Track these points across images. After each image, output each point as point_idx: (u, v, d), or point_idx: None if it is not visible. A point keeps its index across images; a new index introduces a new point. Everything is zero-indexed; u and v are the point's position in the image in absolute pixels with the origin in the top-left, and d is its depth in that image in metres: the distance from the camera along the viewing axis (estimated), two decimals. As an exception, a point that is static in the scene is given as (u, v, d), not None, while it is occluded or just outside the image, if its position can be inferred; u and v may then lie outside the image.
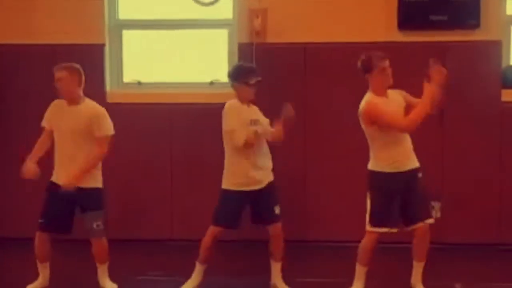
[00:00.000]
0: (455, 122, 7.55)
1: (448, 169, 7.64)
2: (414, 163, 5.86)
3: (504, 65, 7.73)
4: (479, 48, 7.64)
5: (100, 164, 6.04)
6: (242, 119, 5.87)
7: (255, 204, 5.99)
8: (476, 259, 7.33)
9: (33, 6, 7.95)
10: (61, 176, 5.93)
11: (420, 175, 5.86)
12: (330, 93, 7.61)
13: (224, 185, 5.98)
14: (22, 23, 7.95)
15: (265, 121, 6.08)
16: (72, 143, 5.93)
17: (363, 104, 5.81)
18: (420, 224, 5.82)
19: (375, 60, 5.81)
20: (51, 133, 6.05)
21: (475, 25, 7.57)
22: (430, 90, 5.64)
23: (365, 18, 7.67)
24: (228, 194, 5.94)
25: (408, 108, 5.83)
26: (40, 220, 6.00)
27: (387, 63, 5.79)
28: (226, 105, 5.97)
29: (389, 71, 5.80)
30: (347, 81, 7.29)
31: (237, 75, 6.02)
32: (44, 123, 6.09)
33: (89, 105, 6.03)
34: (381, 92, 5.83)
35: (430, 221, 5.88)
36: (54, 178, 6.01)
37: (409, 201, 5.81)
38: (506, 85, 7.69)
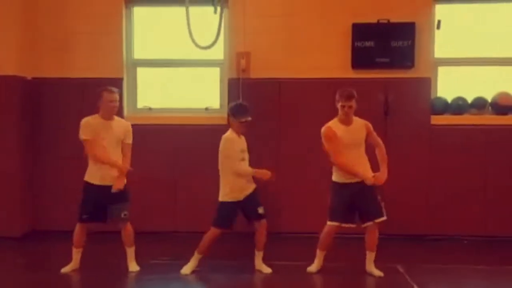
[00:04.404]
0: (395, 140, 7.60)
1: (389, 176, 7.62)
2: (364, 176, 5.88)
3: (432, 96, 7.83)
4: (413, 83, 7.72)
5: None
6: (236, 148, 5.91)
7: (244, 207, 6.00)
8: (412, 246, 7.41)
9: (66, 47, 7.96)
10: (98, 176, 5.88)
11: (369, 182, 5.86)
12: (299, 116, 7.68)
13: (222, 199, 5.96)
14: (58, 61, 7.94)
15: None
16: (111, 151, 5.91)
17: (324, 127, 5.89)
18: (370, 223, 5.90)
19: (338, 97, 5.85)
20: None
21: (410, 65, 7.67)
22: (360, 174, 5.80)
23: (326, 59, 7.72)
24: (226, 205, 5.94)
25: (367, 138, 5.93)
26: (83, 216, 5.94)
27: (348, 102, 5.78)
28: (225, 135, 5.96)
29: (347, 109, 5.79)
30: (312, 107, 7.37)
31: (234, 112, 5.99)
32: (88, 136, 5.88)
33: (122, 121, 6.12)
34: (343, 121, 5.88)
35: (381, 219, 5.92)
36: (89, 179, 5.94)
37: (362, 205, 5.89)
38: (434, 112, 7.81)
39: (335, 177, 5.98)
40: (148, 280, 5.87)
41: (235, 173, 5.88)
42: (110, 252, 6.51)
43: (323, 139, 5.88)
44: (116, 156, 5.94)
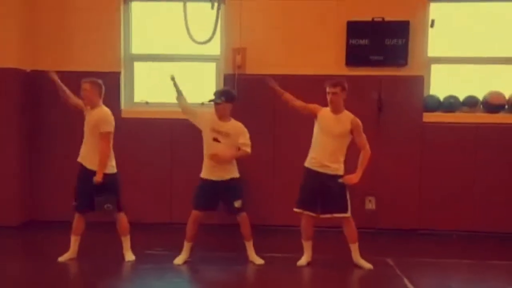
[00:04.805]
0: (387, 136, 7.71)
1: (381, 172, 7.77)
2: (336, 171, 5.94)
3: (425, 94, 7.92)
4: (406, 81, 7.80)
5: (112, 154, 6.11)
6: (205, 123, 6.13)
7: (222, 199, 6.10)
8: (402, 240, 7.50)
9: (65, 41, 8.03)
10: (83, 159, 6.06)
11: (340, 180, 5.92)
12: (293, 111, 7.71)
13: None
14: (56, 54, 8.01)
15: (240, 139, 6.09)
16: (90, 137, 6.05)
17: None
18: (329, 215, 5.95)
19: (326, 85, 5.99)
20: (80, 105, 6.24)
21: (404, 63, 7.75)
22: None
23: (321, 56, 7.81)
24: (200, 182, 6.14)
25: (353, 136, 5.98)
26: (73, 203, 6.10)
27: (332, 89, 5.92)
28: None
29: (331, 95, 5.92)
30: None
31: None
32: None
33: (100, 110, 6.12)
34: (332, 109, 5.99)
35: (342, 215, 5.97)
36: (79, 160, 6.12)
37: (327, 196, 5.93)
38: (426, 109, 7.89)
39: (306, 162, 6.10)
40: (143, 269, 5.94)
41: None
42: (106, 242, 6.59)
43: None
44: (89, 144, 6.04)
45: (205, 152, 6.14)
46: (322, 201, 5.96)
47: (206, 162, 6.12)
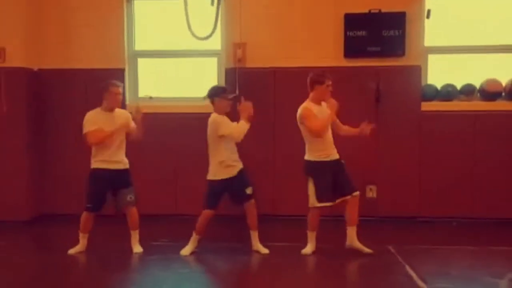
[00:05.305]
0: (386, 125, 7.73)
1: (381, 161, 7.84)
2: (337, 155, 6.04)
3: (423, 83, 7.94)
4: (404, 71, 7.82)
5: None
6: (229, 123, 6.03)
7: (232, 188, 6.11)
8: (403, 228, 7.55)
9: (70, 40, 8.12)
10: (105, 161, 6.07)
11: (343, 161, 6.03)
12: (294, 103, 7.72)
13: (213, 177, 6.08)
14: (62, 53, 8.10)
15: None
16: (117, 137, 6.11)
17: (301, 108, 6.02)
18: (348, 197, 5.99)
19: (320, 78, 5.98)
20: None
21: (401, 54, 7.77)
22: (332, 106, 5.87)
23: (320, 49, 7.85)
24: (216, 183, 6.07)
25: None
26: (88, 205, 6.16)
27: (331, 82, 5.96)
28: (215, 117, 6.03)
29: (331, 88, 5.97)
30: (306, 94, 7.49)
31: (218, 92, 6.12)
32: (91, 128, 6.02)
33: (121, 110, 6.30)
34: (318, 102, 6.02)
35: (356, 193, 6.03)
36: (96, 165, 6.11)
37: (341, 180, 5.99)
38: (424, 98, 7.91)
39: (313, 157, 6.03)
40: (150, 260, 6.00)
41: (240, 138, 5.93)
42: (115, 234, 6.66)
43: (303, 120, 5.98)
44: (120, 142, 6.15)
45: (223, 150, 6.03)
46: (338, 186, 6.00)
47: (229, 159, 6.04)
